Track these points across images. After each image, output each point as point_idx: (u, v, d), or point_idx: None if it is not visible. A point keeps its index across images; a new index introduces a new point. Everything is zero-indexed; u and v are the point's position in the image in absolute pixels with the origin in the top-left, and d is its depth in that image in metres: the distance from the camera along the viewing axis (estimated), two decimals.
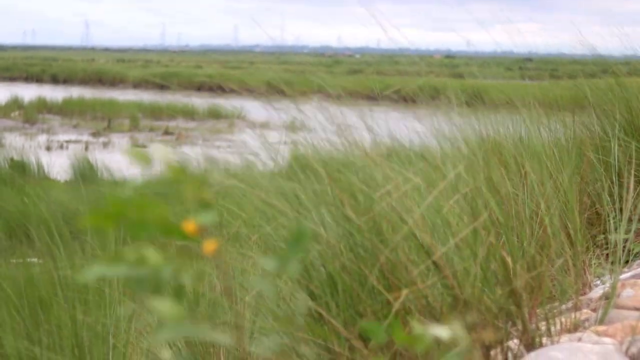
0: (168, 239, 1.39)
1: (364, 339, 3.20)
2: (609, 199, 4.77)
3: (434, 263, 3.13)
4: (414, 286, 3.12)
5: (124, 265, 1.37)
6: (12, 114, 36.27)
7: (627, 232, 4.23)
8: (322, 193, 3.79)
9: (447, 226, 3.34)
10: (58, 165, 20.43)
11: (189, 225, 1.38)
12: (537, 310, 3.24)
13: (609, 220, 4.51)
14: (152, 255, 1.38)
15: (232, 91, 6.07)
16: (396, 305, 3.02)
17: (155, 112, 36.93)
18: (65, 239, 7.05)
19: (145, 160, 1.40)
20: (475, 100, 4.58)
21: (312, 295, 3.37)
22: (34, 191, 15.95)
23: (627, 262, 4.55)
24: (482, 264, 3.17)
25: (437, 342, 1.55)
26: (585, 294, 4.07)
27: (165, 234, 1.38)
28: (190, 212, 1.41)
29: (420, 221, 3.23)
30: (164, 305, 1.34)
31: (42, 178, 19.34)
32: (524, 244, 3.30)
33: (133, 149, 1.40)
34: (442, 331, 1.48)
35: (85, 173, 19.83)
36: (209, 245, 1.38)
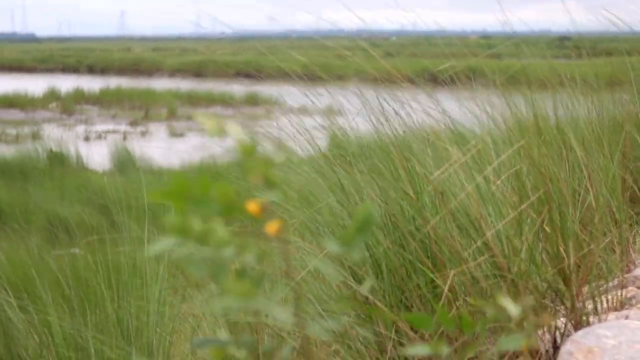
0: (231, 218, 1.38)
1: (411, 326, 3.20)
2: None
3: (484, 241, 3.13)
4: (461, 266, 3.12)
5: (189, 239, 1.37)
6: (50, 106, 36.47)
7: None
8: (366, 175, 3.80)
9: (495, 205, 3.35)
10: (97, 156, 20.52)
11: (253, 205, 1.38)
12: (584, 289, 3.24)
13: None
14: (220, 229, 1.37)
15: (269, 77, 6.07)
16: (445, 288, 3.02)
17: (193, 100, 37.02)
18: (103, 229, 7.09)
19: (220, 132, 1.40)
20: (513, 80, 4.56)
21: (357, 279, 3.38)
22: (73, 183, 16.05)
23: None
24: (530, 243, 3.17)
25: (488, 325, 1.55)
26: (630, 271, 4.05)
27: (229, 212, 1.38)
28: (256, 191, 1.40)
29: (472, 196, 3.23)
30: (230, 281, 1.34)
31: (81, 169, 19.42)
32: (569, 223, 3.30)
33: (208, 119, 1.40)
34: (512, 307, 1.48)
35: (124, 163, 19.90)
36: (273, 226, 1.38)
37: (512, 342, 1.48)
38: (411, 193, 3.42)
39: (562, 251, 3.20)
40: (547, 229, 3.23)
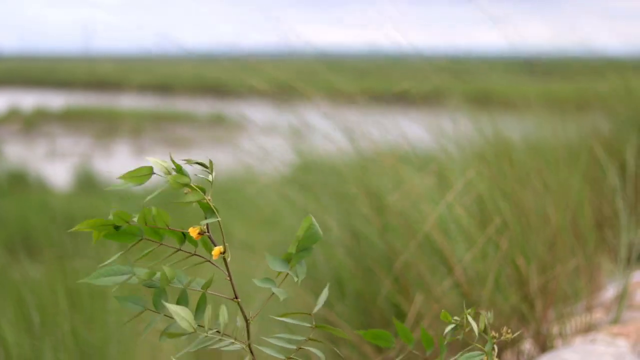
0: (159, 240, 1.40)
1: (375, 344, 3.14)
2: (619, 199, 4.73)
3: (448, 267, 3.10)
4: (426, 290, 3.09)
5: (136, 272, 1.38)
6: (11, 123, 36.22)
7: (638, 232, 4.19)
8: (330, 198, 3.76)
9: (459, 230, 3.32)
10: (59, 175, 20.37)
11: (193, 231, 1.41)
12: (550, 312, 3.21)
13: (619, 221, 4.47)
14: (166, 269, 1.39)
15: (236, 95, 6.05)
16: (412, 311, 2.98)
17: (158, 118, 36.92)
18: (66, 249, 7.03)
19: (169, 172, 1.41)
20: (481, 102, 4.55)
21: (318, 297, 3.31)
22: (34, 202, 15.91)
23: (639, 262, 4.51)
24: (494, 267, 3.14)
25: (447, 342, 1.52)
26: (597, 295, 4.03)
27: (156, 237, 1.40)
28: (194, 218, 1.43)
29: (435, 224, 3.20)
30: (180, 311, 1.34)
31: (43, 188, 19.26)
32: (534, 246, 3.27)
33: (156, 162, 1.41)
34: (473, 322, 1.46)
35: (86, 183, 19.76)
36: (217, 250, 1.41)
37: (473, 359, 1.46)
38: (374, 220, 3.40)
39: (525, 275, 3.18)
40: (510, 253, 3.21)
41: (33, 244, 11.74)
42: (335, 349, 1.48)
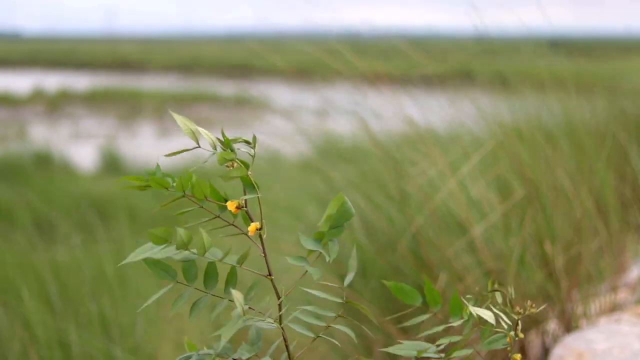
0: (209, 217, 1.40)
1: (398, 323, 3.17)
2: None
3: (471, 244, 3.10)
4: (450, 269, 3.09)
5: (171, 246, 1.38)
6: (35, 105, 36.30)
7: None
8: (354, 177, 3.76)
9: (479, 207, 3.31)
10: (83, 156, 20.42)
11: (232, 204, 1.40)
12: (575, 292, 3.20)
13: None
14: (204, 235, 1.39)
15: (260, 76, 6.07)
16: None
17: (182, 99, 36.92)
18: (90, 228, 7.05)
19: (194, 134, 1.40)
20: (505, 82, 4.53)
21: (342, 280, 3.33)
22: (59, 183, 15.96)
23: None
24: (519, 245, 3.13)
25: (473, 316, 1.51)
26: (622, 276, 4.01)
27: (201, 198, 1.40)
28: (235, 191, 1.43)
29: (457, 195, 3.20)
30: (238, 296, 1.34)
31: (67, 169, 19.29)
32: (559, 225, 3.26)
33: (184, 121, 1.40)
34: (484, 312, 1.45)
35: (111, 164, 19.79)
36: (253, 226, 1.41)
37: (497, 342, 1.46)
38: (396, 194, 3.39)
39: (550, 253, 3.17)
40: (534, 231, 3.20)
41: (58, 226, 11.80)
42: (363, 327, 1.47)
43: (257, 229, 1.42)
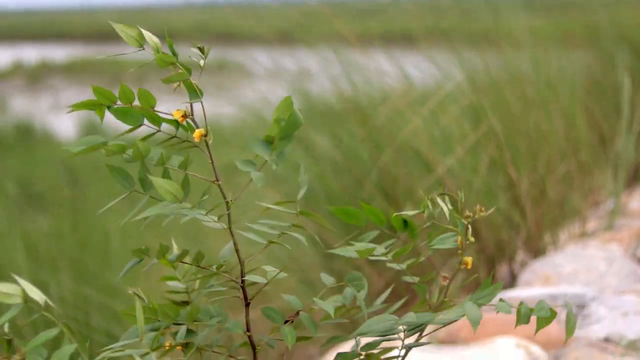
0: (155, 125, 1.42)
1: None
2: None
3: (435, 175, 3.13)
4: (415, 200, 3.12)
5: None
6: (15, 78, 36.12)
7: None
8: (323, 125, 3.79)
9: (448, 138, 3.34)
10: (64, 128, 20.36)
11: (177, 113, 1.42)
12: (542, 220, 3.24)
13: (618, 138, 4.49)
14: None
15: (239, 42, 6.08)
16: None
17: (161, 67, 36.64)
18: (71, 200, 7.09)
19: (138, 40, 1.42)
20: (485, 40, 4.55)
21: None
22: (41, 154, 15.95)
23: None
24: (485, 175, 3.17)
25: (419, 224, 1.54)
26: (594, 210, 4.06)
27: (154, 121, 1.41)
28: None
29: (420, 133, 3.23)
30: (164, 183, 1.36)
31: (49, 141, 19.24)
32: (523, 152, 3.29)
33: (125, 28, 1.42)
34: (441, 203, 1.48)
35: (91, 132, 19.72)
36: (198, 133, 1.42)
37: (446, 241, 1.48)
38: (363, 134, 3.42)
39: (515, 179, 3.21)
40: (498, 158, 3.23)
41: (41, 195, 11.79)
42: (316, 237, 1.49)
43: (202, 135, 1.43)
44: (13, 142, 18.22)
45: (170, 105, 1.49)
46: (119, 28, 1.41)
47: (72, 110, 1.40)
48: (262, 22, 4.94)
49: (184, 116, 1.43)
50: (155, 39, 1.40)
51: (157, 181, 1.36)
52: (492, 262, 3.16)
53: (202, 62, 1.44)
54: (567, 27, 6.12)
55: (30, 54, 40.50)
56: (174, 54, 1.41)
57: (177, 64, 1.41)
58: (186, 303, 1.52)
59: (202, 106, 1.41)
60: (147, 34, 1.42)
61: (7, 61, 38.05)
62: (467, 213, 1.46)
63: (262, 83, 4.61)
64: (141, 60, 1.52)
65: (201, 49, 1.44)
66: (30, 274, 5.05)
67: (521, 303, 1.35)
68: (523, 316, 1.36)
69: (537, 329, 1.36)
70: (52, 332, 1.34)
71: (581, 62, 5.48)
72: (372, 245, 1.49)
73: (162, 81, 1.39)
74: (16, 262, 5.17)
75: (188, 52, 1.54)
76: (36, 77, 35.84)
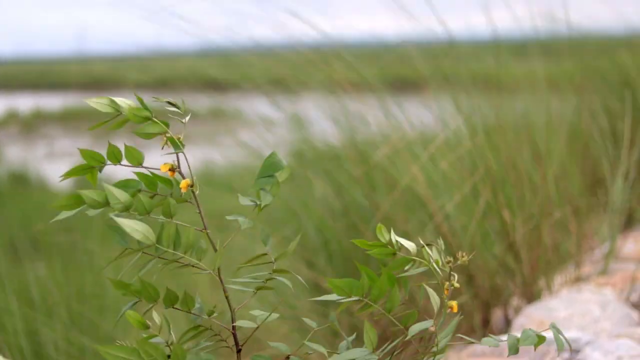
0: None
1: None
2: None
3: (432, 219, 3.14)
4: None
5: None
6: (9, 126, 36.20)
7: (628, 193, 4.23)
8: (321, 170, 3.82)
9: (446, 183, 3.35)
10: (58, 175, 20.36)
11: (164, 167, 1.44)
12: (537, 266, 3.24)
13: (609, 183, 4.51)
14: (144, 199, 1.42)
15: (234, 89, 6.11)
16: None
17: (157, 115, 36.77)
18: (66, 248, 7.11)
19: (114, 112, 1.45)
20: (479, 85, 4.58)
21: (309, 265, 3.38)
22: (35, 202, 15.96)
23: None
24: (480, 220, 3.17)
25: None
26: (588, 255, 4.07)
27: (150, 186, 1.43)
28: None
29: (418, 177, 3.24)
30: (133, 224, 1.36)
31: (44, 189, 19.27)
32: (519, 198, 3.30)
33: (98, 101, 1.45)
34: (406, 242, 1.49)
35: (85, 182, 19.71)
36: (184, 183, 1.44)
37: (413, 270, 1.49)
38: (360, 178, 3.43)
39: (510, 224, 3.21)
40: (494, 203, 3.24)
41: (35, 243, 11.77)
42: (299, 277, 1.50)
43: (188, 186, 1.45)
44: (8, 190, 18.24)
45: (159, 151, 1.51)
46: (92, 102, 1.44)
47: (65, 179, 1.44)
48: (256, 69, 4.97)
49: (172, 170, 1.46)
50: (128, 101, 1.43)
51: (125, 222, 1.38)
52: (487, 307, 3.16)
53: (184, 120, 1.46)
54: (566, 72, 6.16)
55: (25, 102, 40.62)
56: (147, 109, 1.44)
57: (153, 119, 1.44)
58: (168, 357, 1.51)
59: (186, 158, 1.43)
60: (119, 100, 1.46)
61: (2, 110, 38.15)
62: (448, 258, 1.48)
63: (256, 129, 4.63)
64: (135, 108, 1.54)
65: (174, 104, 1.47)
66: (24, 320, 5.04)
67: (508, 334, 1.36)
68: (511, 347, 1.37)
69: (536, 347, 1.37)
70: None
71: (579, 106, 5.52)
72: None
73: (135, 134, 1.42)
74: (9, 308, 5.15)
75: (182, 99, 1.56)
76: (31, 125, 35.92)
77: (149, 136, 1.44)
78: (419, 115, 4.38)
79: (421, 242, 1.48)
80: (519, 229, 3.20)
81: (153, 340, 1.54)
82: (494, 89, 4.50)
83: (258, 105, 4.95)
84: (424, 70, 4.51)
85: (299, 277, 1.53)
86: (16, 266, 8.30)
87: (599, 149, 4.94)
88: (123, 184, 1.46)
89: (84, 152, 1.42)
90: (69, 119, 37.41)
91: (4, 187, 18.68)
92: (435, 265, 1.49)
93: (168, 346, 1.53)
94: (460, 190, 3.28)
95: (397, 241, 1.49)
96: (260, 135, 4.43)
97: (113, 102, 1.44)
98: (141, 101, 1.43)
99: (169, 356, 1.51)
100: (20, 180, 19.98)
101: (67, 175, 1.44)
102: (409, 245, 1.48)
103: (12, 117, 37.49)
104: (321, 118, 4.30)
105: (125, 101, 1.44)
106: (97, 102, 1.44)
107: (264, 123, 4.79)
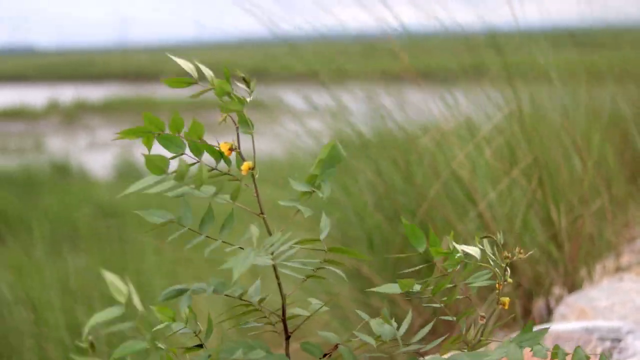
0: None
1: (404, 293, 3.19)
2: None
3: (475, 207, 3.15)
4: (454, 232, 3.12)
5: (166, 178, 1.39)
6: (51, 117, 36.38)
7: None
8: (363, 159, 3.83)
9: (489, 172, 3.36)
10: (100, 166, 20.45)
11: (224, 146, 1.42)
12: (578, 255, 3.25)
13: None
14: (202, 169, 1.40)
15: (274, 79, 6.12)
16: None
17: (196, 106, 36.85)
18: (105, 238, 7.15)
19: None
20: (520, 76, 4.56)
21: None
22: (76, 193, 16.04)
23: None
24: (523, 209, 3.18)
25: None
26: (630, 244, 4.06)
27: (197, 151, 1.41)
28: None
29: (462, 164, 3.25)
30: (114, 280, 1.32)
31: (85, 179, 19.35)
32: (562, 188, 3.31)
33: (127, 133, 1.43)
34: (468, 248, 1.48)
35: (127, 172, 19.82)
36: (246, 165, 1.41)
37: (481, 277, 1.49)
38: (401, 163, 3.44)
39: (554, 214, 3.21)
40: (538, 194, 3.25)
41: (77, 234, 11.84)
42: (339, 272, 1.51)
43: (249, 169, 1.42)
44: (49, 181, 18.34)
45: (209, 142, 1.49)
46: (179, 61, 1.43)
47: (120, 138, 1.41)
48: (296, 60, 4.98)
49: (231, 149, 1.43)
50: (210, 73, 1.42)
51: (108, 277, 1.34)
52: (529, 296, 3.17)
53: (248, 99, 1.45)
54: (601, 63, 6.12)
55: (67, 93, 40.81)
56: (229, 83, 1.42)
57: (232, 95, 1.42)
58: (200, 346, 1.50)
59: (253, 141, 1.42)
60: (203, 67, 1.44)
61: (43, 101, 38.35)
62: (506, 254, 1.46)
63: (298, 120, 4.64)
64: (174, 99, 1.53)
65: (246, 80, 1.46)
66: (64, 309, 5.09)
67: (557, 347, 1.36)
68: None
69: None
70: (139, 345, 1.32)
71: (619, 96, 5.48)
72: (410, 281, 1.50)
73: (220, 108, 1.41)
74: (50, 297, 5.20)
75: (252, 77, 1.54)
76: (72, 116, 36.11)
77: (229, 110, 1.43)
78: (463, 105, 4.38)
79: (479, 245, 1.47)
80: (562, 219, 3.21)
81: (180, 330, 1.52)
82: (535, 79, 4.49)
83: (299, 95, 4.96)
84: (466, 60, 4.50)
85: (351, 269, 1.54)
86: (56, 258, 8.38)
87: (639, 138, 4.92)
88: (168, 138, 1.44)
89: (146, 115, 1.41)
90: (110, 110, 37.55)
91: (46, 178, 18.78)
92: (492, 263, 1.48)
93: (197, 336, 1.52)
94: (504, 179, 3.29)
95: (462, 249, 1.48)
96: (303, 124, 4.44)
97: (198, 67, 1.43)
98: (227, 74, 1.42)
99: (200, 345, 1.51)
100: (62, 171, 20.09)
101: (123, 134, 1.43)
102: (474, 251, 1.46)
103: (54, 108, 37.69)
104: (362, 108, 4.30)
105: (208, 70, 1.43)
106: (182, 61, 1.44)
107: (304, 113, 4.81)
